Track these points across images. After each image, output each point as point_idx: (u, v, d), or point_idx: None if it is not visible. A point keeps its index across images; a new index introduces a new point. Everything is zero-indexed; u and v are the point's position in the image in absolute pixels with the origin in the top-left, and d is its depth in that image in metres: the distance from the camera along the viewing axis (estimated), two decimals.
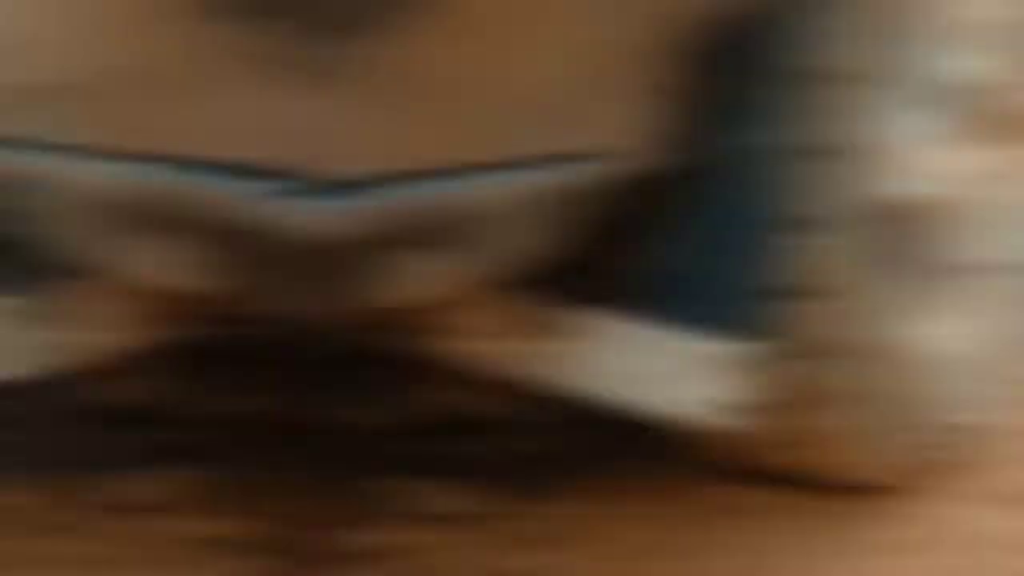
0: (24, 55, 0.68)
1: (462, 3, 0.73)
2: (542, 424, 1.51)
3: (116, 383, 1.49)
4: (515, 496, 1.37)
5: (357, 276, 0.78)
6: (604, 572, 1.26)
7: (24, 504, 1.33)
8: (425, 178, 0.76)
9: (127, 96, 0.69)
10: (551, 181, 0.88)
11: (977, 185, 1.44)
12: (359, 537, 1.28)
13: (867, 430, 1.21)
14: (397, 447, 1.49)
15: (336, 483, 1.40)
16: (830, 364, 1.14)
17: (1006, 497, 1.40)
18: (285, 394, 1.57)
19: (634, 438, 1.40)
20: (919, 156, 1.29)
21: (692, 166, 1.03)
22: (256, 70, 0.66)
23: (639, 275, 1.07)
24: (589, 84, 0.86)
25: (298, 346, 1.40)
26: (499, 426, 1.37)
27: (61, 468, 1.42)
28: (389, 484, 1.38)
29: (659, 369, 1.05)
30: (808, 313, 1.10)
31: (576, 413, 1.29)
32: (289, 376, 1.59)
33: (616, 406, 1.09)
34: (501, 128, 0.81)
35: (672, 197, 1.05)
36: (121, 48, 0.67)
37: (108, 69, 0.67)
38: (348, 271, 0.77)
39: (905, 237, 1.41)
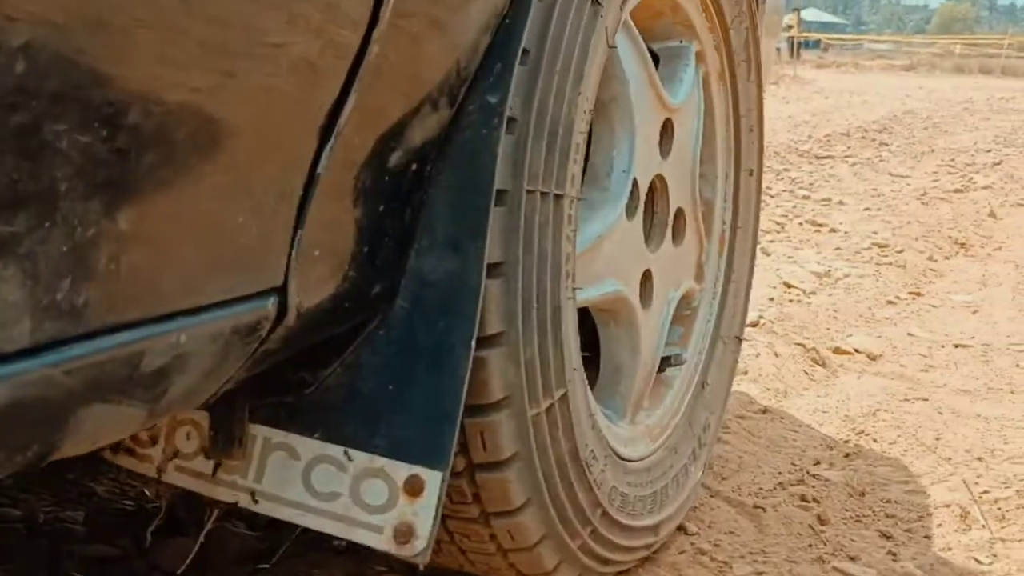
0: None
1: (132, 174, 0.71)
2: (250, 525, 1.49)
3: None
4: None
5: (42, 434, 0.75)
6: None
7: None
8: (104, 334, 0.75)
9: None
10: (232, 320, 0.87)
11: (662, 282, 1.53)
12: None
13: (551, 535, 1.24)
14: (97, 548, 1.44)
15: None
16: (515, 473, 1.16)
17: None
18: None
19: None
20: (600, 260, 1.35)
21: (375, 291, 1.04)
22: None
23: (326, 397, 1.07)
24: (259, 227, 0.85)
25: None
26: (199, 528, 1.34)
27: None
28: None
29: (340, 488, 1.05)
30: (495, 427, 1.12)
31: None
32: None
33: (299, 522, 1.08)
34: (179, 280, 0.80)
35: (357, 321, 1.05)
36: None
37: None
38: (33, 431, 0.74)
39: (596, 339, 1.47)
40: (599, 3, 1.19)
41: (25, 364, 0.69)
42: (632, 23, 1.37)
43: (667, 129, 1.50)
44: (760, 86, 1.78)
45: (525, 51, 1.08)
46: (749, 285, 1.85)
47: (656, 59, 1.53)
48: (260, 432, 1.09)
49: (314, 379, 1.07)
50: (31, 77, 0.62)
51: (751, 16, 1.69)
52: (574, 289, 1.23)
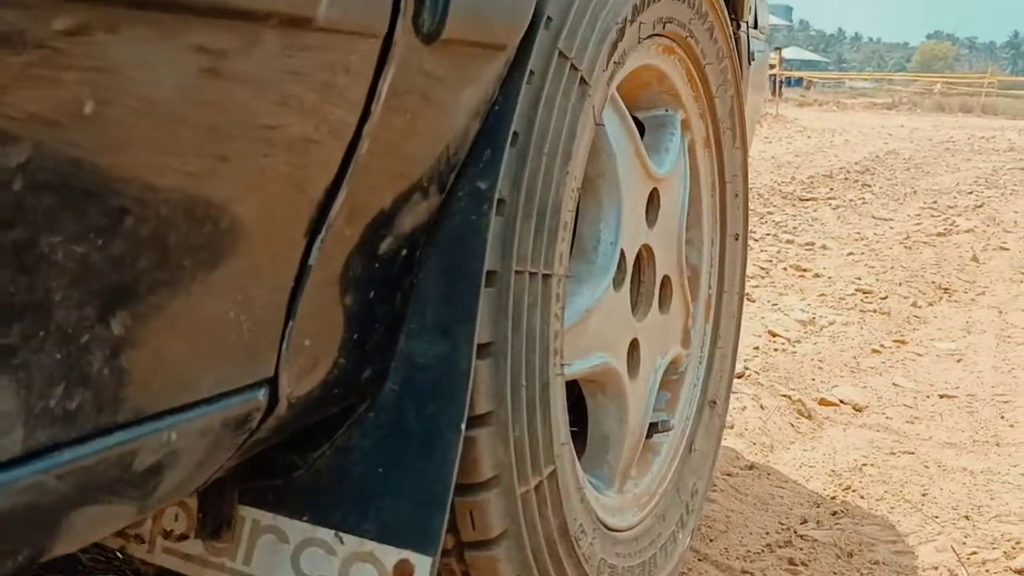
0: None
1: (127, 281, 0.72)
2: None
3: None
4: None
5: (32, 539, 0.75)
6: None
7: None
8: (95, 437, 0.75)
9: None
10: (222, 414, 0.87)
11: (649, 350, 1.53)
12: None
13: None
14: None
15: None
16: (504, 551, 1.16)
17: None
18: None
19: None
20: (588, 333, 1.35)
21: (366, 375, 1.04)
22: None
23: (315, 480, 1.07)
24: (250, 321, 0.85)
25: None
26: None
27: None
28: None
29: (329, 572, 1.05)
30: (484, 505, 1.12)
31: None
32: None
33: None
34: (170, 379, 0.80)
35: (347, 404, 1.05)
36: None
37: None
38: (23, 536, 0.74)
39: (583, 413, 1.47)
40: (587, 83, 1.20)
41: (16, 472, 0.69)
42: (618, 96, 1.38)
43: (653, 199, 1.51)
44: (745, 152, 1.79)
45: (515, 134, 1.08)
46: (735, 348, 1.86)
47: (641, 127, 1.55)
48: (249, 514, 1.08)
49: (303, 462, 1.08)
50: (28, 192, 0.63)
51: (736, 84, 1.71)
52: (562, 365, 1.23)
